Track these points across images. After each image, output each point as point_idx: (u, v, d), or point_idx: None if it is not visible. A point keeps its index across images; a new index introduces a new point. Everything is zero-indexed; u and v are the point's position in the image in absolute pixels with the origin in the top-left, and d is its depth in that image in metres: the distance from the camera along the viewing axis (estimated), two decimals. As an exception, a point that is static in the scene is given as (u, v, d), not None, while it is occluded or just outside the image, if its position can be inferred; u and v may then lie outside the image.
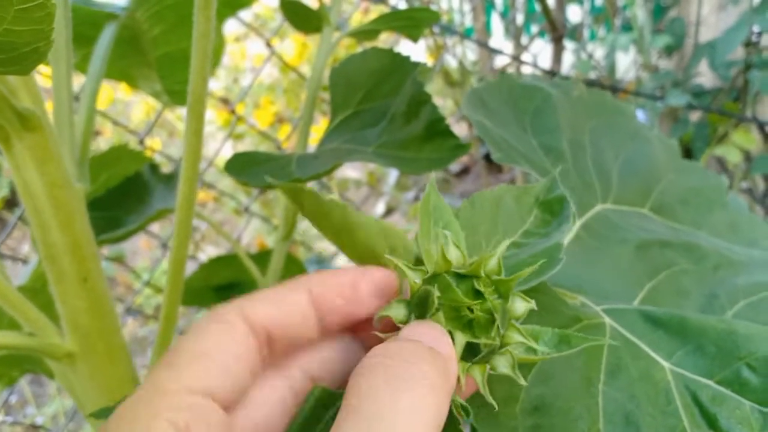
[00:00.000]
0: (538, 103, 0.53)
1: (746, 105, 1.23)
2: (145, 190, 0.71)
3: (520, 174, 1.42)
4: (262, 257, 0.70)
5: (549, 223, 0.31)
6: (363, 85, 0.55)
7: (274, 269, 0.62)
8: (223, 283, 0.76)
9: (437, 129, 0.46)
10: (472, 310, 0.24)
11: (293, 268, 0.77)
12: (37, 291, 0.58)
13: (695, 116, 1.38)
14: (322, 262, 0.96)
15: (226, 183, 1.75)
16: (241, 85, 1.96)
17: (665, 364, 0.32)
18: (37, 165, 0.41)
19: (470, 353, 0.25)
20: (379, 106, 0.54)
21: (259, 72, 1.05)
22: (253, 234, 1.79)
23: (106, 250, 1.64)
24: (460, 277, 0.25)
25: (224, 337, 0.24)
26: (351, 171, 2.11)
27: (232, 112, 1.00)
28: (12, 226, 0.95)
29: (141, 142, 0.98)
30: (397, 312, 0.26)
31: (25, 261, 1.11)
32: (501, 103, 0.52)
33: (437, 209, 0.28)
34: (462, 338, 0.24)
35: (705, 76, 1.51)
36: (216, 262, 0.75)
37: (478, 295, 0.25)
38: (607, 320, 0.34)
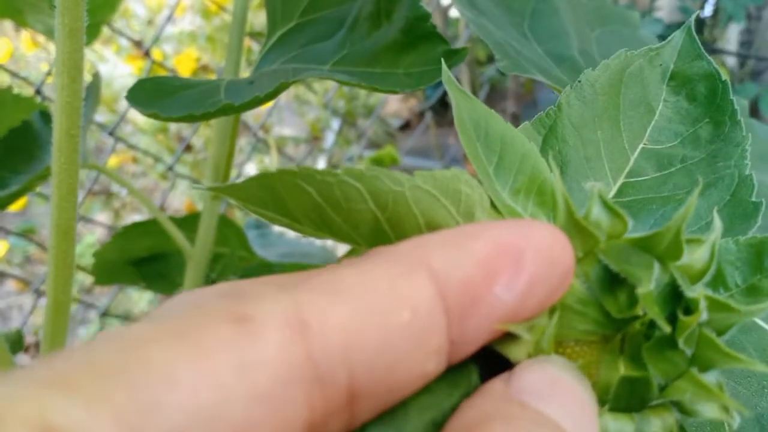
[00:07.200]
0: (536, 3, 0.42)
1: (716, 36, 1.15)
2: (36, 143, 0.56)
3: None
4: (189, 221, 0.57)
5: (694, 119, 0.20)
6: (308, -12, 0.42)
7: (205, 235, 0.49)
8: (143, 254, 0.62)
9: (420, 30, 0.33)
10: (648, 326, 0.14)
11: (229, 233, 0.63)
12: None
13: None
14: (263, 227, 0.83)
15: (147, 142, 1.58)
16: (157, 29, 1.77)
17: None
18: None
19: (633, 395, 0.14)
20: (331, 14, 0.41)
21: (172, 12, 0.90)
22: (184, 200, 1.64)
23: (12, 223, 1.46)
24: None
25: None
26: (288, 129, 1.96)
27: (146, 54, 0.85)
28: None
29: (38, 92, 0.82)
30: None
31: None
32: (490, 2, 0.40)
33: (476, 125, 0.16)
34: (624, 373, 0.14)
35: (662, 11, 1.43)
36: (133, 229, 0.61)
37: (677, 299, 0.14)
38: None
